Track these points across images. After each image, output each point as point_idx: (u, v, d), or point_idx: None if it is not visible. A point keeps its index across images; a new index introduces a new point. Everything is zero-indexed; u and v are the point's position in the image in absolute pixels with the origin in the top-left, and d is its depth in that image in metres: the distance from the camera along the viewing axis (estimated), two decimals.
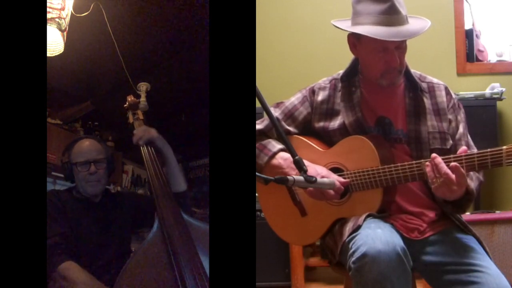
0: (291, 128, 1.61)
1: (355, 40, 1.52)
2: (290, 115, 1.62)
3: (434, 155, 1.32)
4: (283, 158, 1.52)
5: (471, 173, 1.42)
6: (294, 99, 1.64)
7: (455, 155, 1.32)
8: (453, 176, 1.28)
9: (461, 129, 1.55)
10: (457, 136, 1.54)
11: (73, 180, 1.82)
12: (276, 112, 1.62)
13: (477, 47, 3.38)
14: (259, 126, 1.62)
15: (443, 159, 1.32)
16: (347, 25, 1.51)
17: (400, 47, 1.46)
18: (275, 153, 1.54)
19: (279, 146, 1.55)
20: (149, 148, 1.79)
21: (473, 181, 1.44)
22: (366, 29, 1.43)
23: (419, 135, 1.50)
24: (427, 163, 1.33)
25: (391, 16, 1.42)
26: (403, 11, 1.44)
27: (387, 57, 1.45)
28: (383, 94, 1.54)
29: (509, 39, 3.42)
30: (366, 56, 1.51)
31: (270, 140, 1.58)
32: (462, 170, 1.28)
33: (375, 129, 1.53)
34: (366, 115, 1.54)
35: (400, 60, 1.47)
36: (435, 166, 1.30)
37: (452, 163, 1.29)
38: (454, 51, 3.35)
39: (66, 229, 1.65)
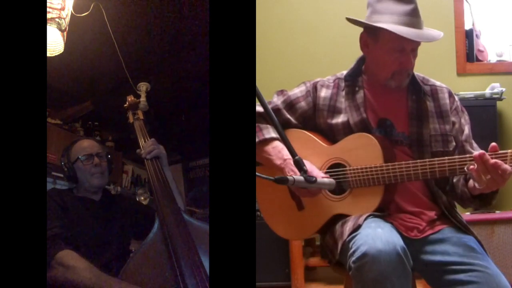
0: (292, 118, 1.61)
1: (369, 39, 1.51)
2: (291, 106, 1.61)
3: (481, 152, 1.28)
4: (273, 146, 1.52)
5: None
6: (297, 91, 1.63)
7: (460, 156, 1.32)
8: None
9: (466, 130, 1.55)
10: (463, 137, 1.53)
11: (74, 180, 1.83)
12: (278, 100, 1.62)
13: (477, 47, 3.37)
14: (259, 108, 1.57)
15: (439, 160, 1.34)
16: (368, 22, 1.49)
17: (414, 49, 1.46)
18: (267, 140, 1.53)
19: (274, 135, 1.54)
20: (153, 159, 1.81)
21: None
22: (393, 27, 1.41)
23: (421, 138, 1.50)
24: (473, 163, 1.29)
25: (414, 18, 1.43)
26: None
27: (403, 58, 1.46)
28: (385, 96, 1.54)
29: (509, 39, 3.42)
30: (381, 56, 1.49)
31: (268, 126, 1.57)
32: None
33: (376, 130, 1.53)
34: (368, 116, 1.54)
35: (413, 63, 1.48)
36: (487, 162, 1.26)
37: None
38: (454, 51, 3.35)
39: (66, 222, 1.65)
